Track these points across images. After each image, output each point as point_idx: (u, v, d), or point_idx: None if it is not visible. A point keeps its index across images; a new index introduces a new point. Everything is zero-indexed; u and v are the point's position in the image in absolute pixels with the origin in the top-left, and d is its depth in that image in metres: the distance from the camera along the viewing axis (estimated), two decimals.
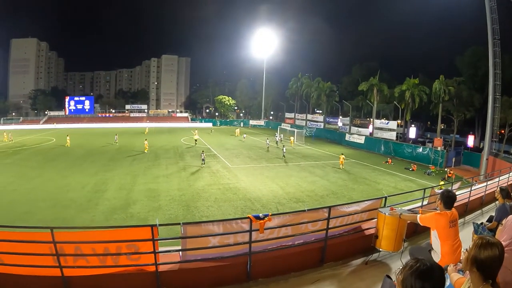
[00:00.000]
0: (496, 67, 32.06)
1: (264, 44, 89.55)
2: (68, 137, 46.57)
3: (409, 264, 2.10)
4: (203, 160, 32.61)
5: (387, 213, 6.51)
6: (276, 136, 53.95)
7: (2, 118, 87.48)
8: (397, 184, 27.42)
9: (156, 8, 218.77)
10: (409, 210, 7.17)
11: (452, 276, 3.08)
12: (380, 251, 6.84)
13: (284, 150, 39.86)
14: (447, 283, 3.20)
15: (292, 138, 53.12)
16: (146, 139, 43.64)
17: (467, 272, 2.65)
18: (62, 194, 21.45)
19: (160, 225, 5.30)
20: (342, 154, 35.28)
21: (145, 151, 40.39)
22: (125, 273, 5.48)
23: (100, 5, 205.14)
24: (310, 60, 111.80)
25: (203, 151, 34.54)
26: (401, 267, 2.17)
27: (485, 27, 32.14)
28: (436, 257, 5.22)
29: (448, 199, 5.17)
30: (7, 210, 18.06)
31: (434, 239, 5.28)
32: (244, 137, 58.33)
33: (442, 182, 23.16)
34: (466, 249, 2.58)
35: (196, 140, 50.07)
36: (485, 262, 2.37)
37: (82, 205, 19.40)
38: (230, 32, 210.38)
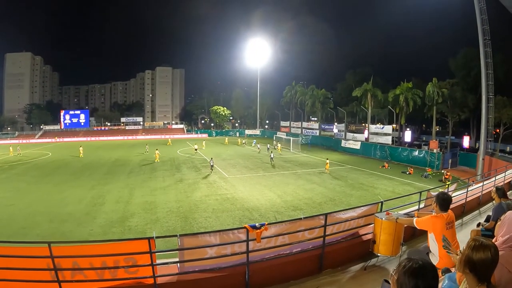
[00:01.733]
0: (488, 67, 32.27)
1: (257, 53, 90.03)
2: (81, 148, 50.55)
3: (402, 264, 2.14)
4: (211, 166, 35.24)
5: (383, 218, 6.53)
6: (255, 143, 60.22)
7: None
8: (395, 188, 27.43)
9: (149, 21, 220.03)
10: (405, 214, 7.20)
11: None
12: (378, 256, 6.85)
13: (272, 156, 42.07)
14: (445, 281, 3.23)
15: (279, 145, 55.51)
16: (157, 149, 46.13)
17: None
18: (59, 208, 21.28)
19: (157, 237, 5.31)
20: (327, 159, 36.30)
21: (156, 160, 42.68)
22: (124, 287, 5.46)
23: (94, 19, 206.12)
24: (304, 68, 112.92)
25: (211, 158, 37.32)
26: (395, 268, 2.20)
27: (476, 28, 32.43)
28: (434, 259, 5.23)
29: (443, 201, 5.21)
30: (4, 225, 17.93)
31: (432, 241, 5.28)
32: (244, 143, 64.04)
33: (448, 182, 23.60)
34: (460, 251, 2.60)
35: (196, 150, 52.95)
36: (478, 264, 2.38)
37: (80, 219, 19.23)
38: (224, 43, 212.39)
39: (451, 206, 10.31)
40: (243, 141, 62.42)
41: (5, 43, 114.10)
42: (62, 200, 23.54)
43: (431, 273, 2.09)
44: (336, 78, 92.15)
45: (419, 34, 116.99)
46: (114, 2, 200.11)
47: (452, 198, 10.69)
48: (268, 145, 56.21)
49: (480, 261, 2.38)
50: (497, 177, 15.34)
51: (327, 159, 36.74)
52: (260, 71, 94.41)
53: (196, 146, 54.64)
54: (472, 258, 2.40)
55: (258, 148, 56.39)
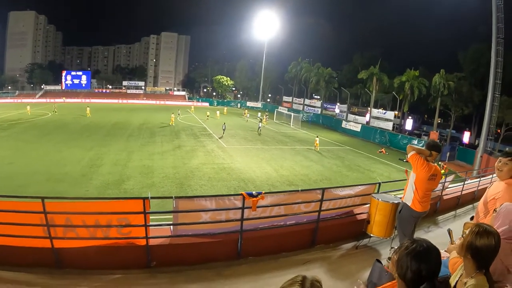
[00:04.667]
0: (498, 66, 31.78)
1: (265, 26, 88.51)
2: (88, 108, 53.00)
3: (405, 245, 2.06)
4: (224, 130, 38.90)
5: (380, 199, 6.52)
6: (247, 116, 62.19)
7: None
8: (391, 174, 27.44)
9: None
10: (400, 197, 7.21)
11: (451, 254, 3.09)
12: (370, 236, 6.84)
13: (260, 126, 44.87)
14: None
15: (264, 117, 57.04)
16: (173, 113, 48.18)
17: None
18: (57, 168, 21.39)
19: (152, 198, 5.26)
20: (317, 137, 37.19)
21: (171, 124, 45.18)
22: (116, 246, 5.47)
23: None
24: (311, 45, 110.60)
25: (224, 123, 40.84)
26: (396, 247, 2.13)
27: (489, 24, 31.83)
28: (408, 200, 5.65)
29: (433, 147, 5.51)
30: (2, 183, 18.00)
31: (411, 182, 5.60)
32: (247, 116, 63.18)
33: (443, 171, 24.01)
34: (462, 235, 2.56)
35: (208, 116, 56.24)
36: (480, 250, 2.34)
37: (77, 180, 19.41)
38: (232, 13, 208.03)
39: (448, 197, 10.40)
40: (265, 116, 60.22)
41: (8, 1, 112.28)
42: (60, 160, 23.67)
43: (435, 257, 2.02)
44: (342, 58, 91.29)
45: (431, 24, 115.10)
46: None
47: (448, 189, 10.78)
48: (259, 114, 58.21)
49: (483, 247, 2.34)
50: (494, 176, 15.34)
51: (317, 136, 37.33)
52: (266, 44, 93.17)
53: (208, 113, 58.05)
54: (475, 244, 2.36)
55: (247, 117, 59.99)
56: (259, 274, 5.64)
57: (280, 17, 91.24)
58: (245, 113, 64.78)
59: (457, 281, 2.61)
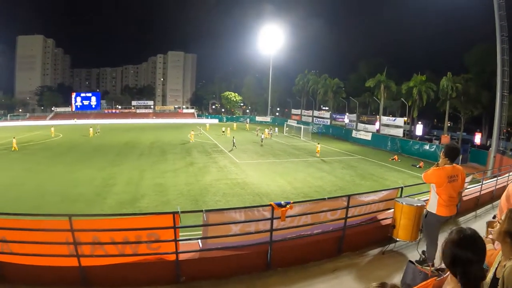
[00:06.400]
0: (504, 64, 31.56)
1: (270, 40, 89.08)
2: (91, 129, 53.78)
3: (451, 234, 2.17)
4: (234, 143, 40.39)
5: (404, 203, 6.51)
6: (257, 130, 61.72)
7: (9, 115, 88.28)
8: (405, 181, 27.13)
9: (162, 5, 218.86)
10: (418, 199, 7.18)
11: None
12: (396, 241, 6.84)
13: (262, 137, 47.95)
14: None
15: (266, 130, 57.29)
16: (192, 130, 50.79)
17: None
18: (70, 189, 21.49)
19: (182, 212, 5.29)
20: (319, 143, 39.66)
21: (191, 141, 46.51)
22: (144, 262, 5.44)
23: (107, 2, 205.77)
24: (317, 56, 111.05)
25: (233, 136, 43.21)
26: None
27: (493, 24, 31.80)
28: (433, 207, 5.63)
29: (450, 150, 5.46)
30: (16, 205, 17.85)
31: (433, 191, 5.60)
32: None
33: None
34: (499, 222, 2.62)
35: (223, 132, 57.89)
36: None
37: (91, 200, 19.47)
38: (237, 29, 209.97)
39: (467, 197, 10.32)
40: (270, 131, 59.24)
41: (17, 26, 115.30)
42: (73, 180, 23.76)
43: (481, 243, 2.13)
44: (348, 68, 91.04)
45: (435, 28, 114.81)
46: None
47: (467, 190, 10.71)
48: (268, 130, 58.33)
49: None
50: (510, 173, 15.26)
51: (318, 143, 39.25)
52: (272, 58, 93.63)
53: (223, 129, 59.99)
54: None
55: (257, 131, 59.99)
56: (290, 284, 5.62)
57: (284, 30, 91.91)
58: (247, 127, 66.42)
59: (496, 267, 2.66)
